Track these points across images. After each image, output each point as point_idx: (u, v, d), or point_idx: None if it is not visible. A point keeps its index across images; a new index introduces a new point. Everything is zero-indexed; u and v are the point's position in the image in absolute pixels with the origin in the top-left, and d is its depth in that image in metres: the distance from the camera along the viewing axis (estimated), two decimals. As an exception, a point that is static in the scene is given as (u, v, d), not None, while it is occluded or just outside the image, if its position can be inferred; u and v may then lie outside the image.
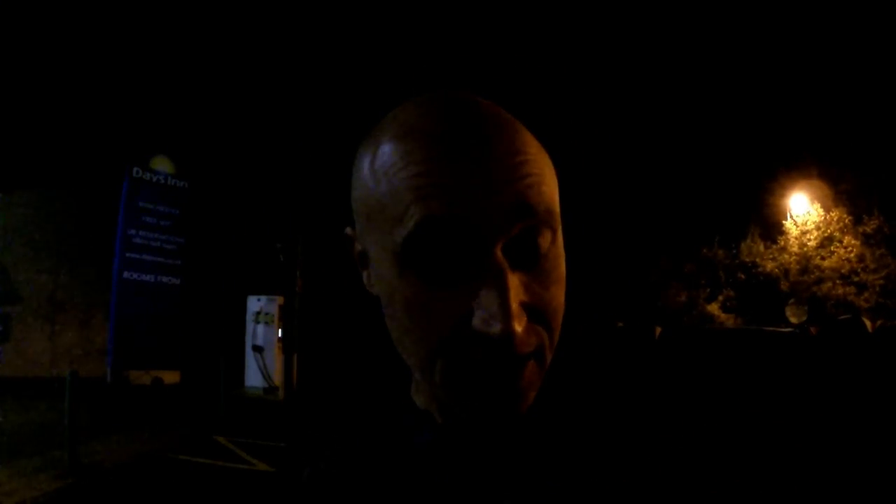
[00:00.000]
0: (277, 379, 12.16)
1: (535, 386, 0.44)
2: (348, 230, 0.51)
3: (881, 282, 19.13)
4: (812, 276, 20.46)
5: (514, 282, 0.41)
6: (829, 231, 20.58)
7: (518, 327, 0.40)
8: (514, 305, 0.40)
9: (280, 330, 12.74)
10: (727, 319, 21.99)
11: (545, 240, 0.43)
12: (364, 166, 0.46)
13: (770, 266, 21.79)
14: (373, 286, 0.49)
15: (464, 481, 0.48)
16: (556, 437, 0.50)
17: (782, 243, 21.89)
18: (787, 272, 21.30)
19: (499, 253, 0.41)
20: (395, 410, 0.54)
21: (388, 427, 0.54)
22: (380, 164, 0.43)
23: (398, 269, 0.43)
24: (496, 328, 0.39)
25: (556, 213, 0.44)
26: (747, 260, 22.40)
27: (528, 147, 0.43)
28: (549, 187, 0.44)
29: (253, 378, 12.48)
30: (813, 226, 21.02)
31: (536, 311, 0.42)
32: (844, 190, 20.47)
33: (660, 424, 0.50)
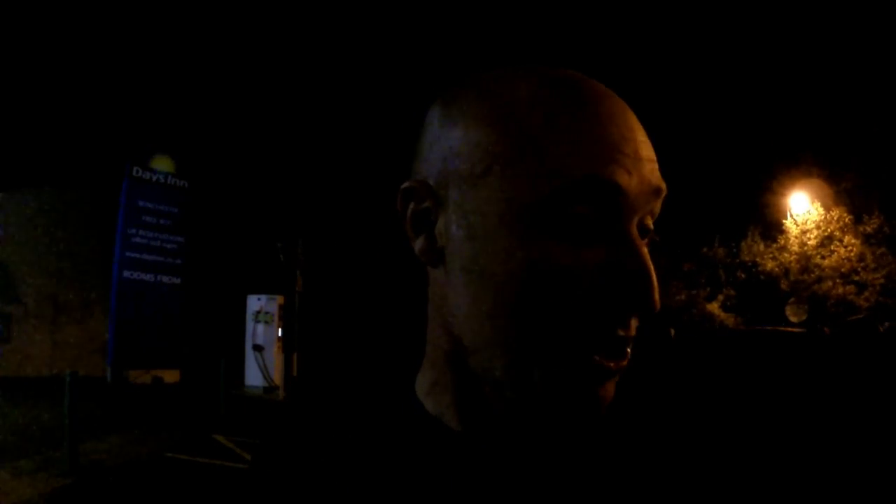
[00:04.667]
0: (277, 378, 12.17)
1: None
2: (415, 182, 0.45)
3: (881, 281, 19.13)
4: (812, 276, 20.46)
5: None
6: (829, 230, 20.58)
7: (659, 304, 0.39)
8: (656, 281, 0.39)
9: (280, 329, 12.74)
10: (727, 319, 21.98)
11: (652, 225, 0.43)
12: (474, 113, 0.42)
13: (770, 265, 21.79)
14: (433, 251, 0.44)
15: (483, 499, 0.43)
16: (586, 451, 0.45)
17: (782, 242, 21.88)
18: (787, 271, 21.30)
19: (635, 227, 0.40)
20: (399, 415, 0.48)
21: (388, 434, 0.47)
22: (512, 114, 0.40)
23: (522, 222, 0.39)
24: (644, 302, 0.38)
25: None
26: (747, 259, 22.39)
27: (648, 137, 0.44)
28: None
29: (253, 377, 12.49)
30: (813, 225, 21.02)
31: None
32: (845, 189, 20.46)
33: (684, 427, 0.47)
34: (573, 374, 0.39)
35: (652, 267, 0.39)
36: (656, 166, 0.42)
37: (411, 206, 0.45)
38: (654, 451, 0.45)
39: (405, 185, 0.45)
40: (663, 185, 0.42)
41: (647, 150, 0.41)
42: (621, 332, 0.39)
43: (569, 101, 0.40)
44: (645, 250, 0.40)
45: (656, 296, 0.38)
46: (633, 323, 0.41)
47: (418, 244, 0.45)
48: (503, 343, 0.40)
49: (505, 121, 0.40)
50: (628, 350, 0.41)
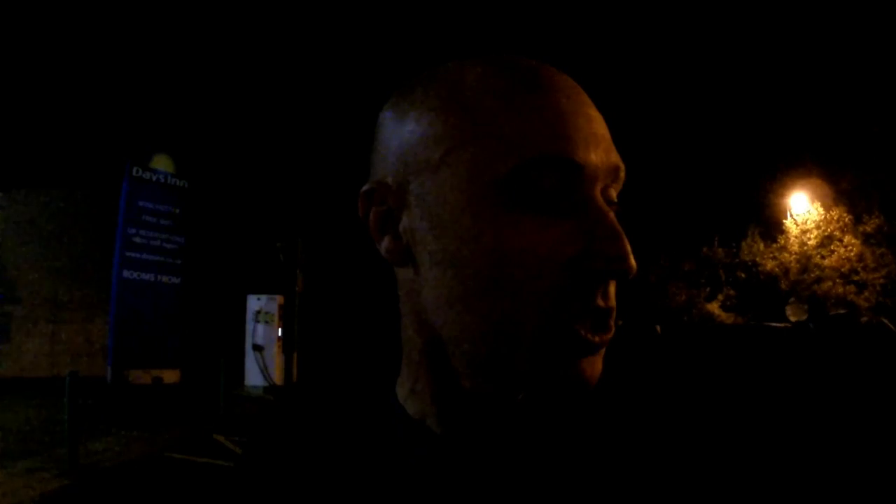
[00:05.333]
0: (278, 378, 12.17)
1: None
2: (373, 184, 0.45)
3: (881, 281, 19.13)
4: (812, 275, 20.46)
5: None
6: (829, 230, 20.58)
7: (634, 265, 0.39)
8: (629, 247, 0.39)
9: (280, 329, 12.74)
10: (727, 318, 21.99)
11: (616, 200, 0.44)
12: (427, 109, 0.42)
13: (770, 265, 21.79)
14: (398, 250, 0.44)
15: (464, 501, 0.42)
16: (567, 449, 0.44)
17: (782, 242, 21.88)
18: (787, 271, 21.30)
19: (601, 200, 0.40)
20: (381, 419, 0.48)
21: (370, 438, 0.47)
22: (466, 104, 0.41)
23: (487, 202, 0.39)
24: (620, 264, 0.38)
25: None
26: (747, 259, 22.39)
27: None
28: None
29: (253, 377, 12.49)
30: (813, 225, 21.02)
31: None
32: (845, 189, 20.46)
33: (668, 423, 0.46)
34: (557, 350, 0.39)
35: (622, 230, 0.39)
36: (612, 145, 0.43)
37: (373, 208, 0.45)
38: (637, 448, 0.44)
39: (364, 188, 0.45)
40: (621, 164, 0.43)
41: (602, 128, 0.42)
42: (601, 303, 0.40)
43: (520, 82, 0.40)
44: (613, 215, 0.40)
45: (630, 257, 0.38)
46: (612, 291, 0.41)
47: (384, 245, 0.45)
48: (483, 328, 0.40)
49: (457, 106, 0.41)
50: (611, 323, 0.41)
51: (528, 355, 0.39)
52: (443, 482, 0.43)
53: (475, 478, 0.43)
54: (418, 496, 0.43)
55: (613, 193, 0.43)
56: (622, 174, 0.43)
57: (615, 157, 0.42)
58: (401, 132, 0.43)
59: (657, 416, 0.47)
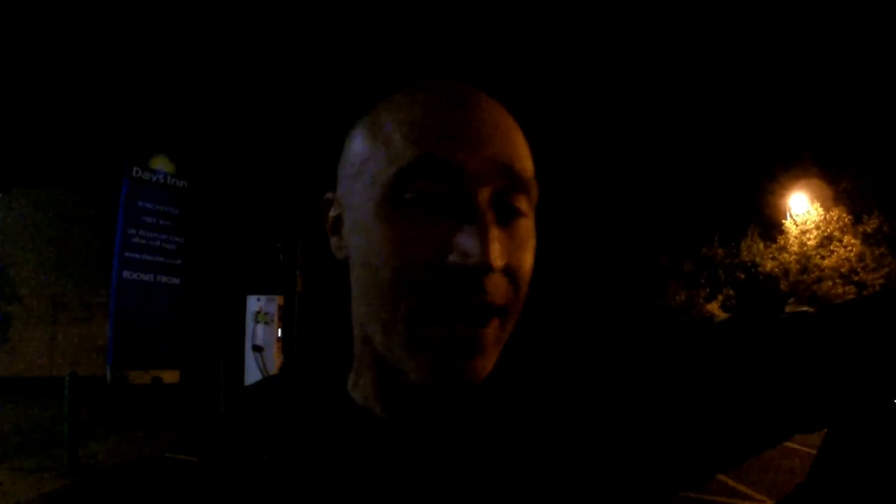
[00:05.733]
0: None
1: (495, 348, 0.45)
2: (329, 194, 0.53)
3: (881, 281, 19.12)
4: (812, 276, 20.46)
5: (496, 228, 0.43)
6: (828, 230, 20.57)
7: (498, 262, 0.42)
8: (495, 244, 0.42)
9: (280, 330, 12.74)
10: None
11: (523, 207, 0.46)
12: (359, 130, 0.49)
13: (770, 265, 21.79)
14: (342, 249, 0.50)
15: (403, 481, 0.47)
16: (507, 438, 0.49)
17: (782, 242, 21.88)
18: (786, 271, 21.30)
19: (484, 199, 0.43)
20: (331, 409, 0.52)
21: (320, 426, 0.51)
22: (381, 126, 0.47)
23: (385, 202, 0.44)
24: (473, 259, 0.41)
25: (535, 192, 0.48)
26: (747, 259, 22.39)
27: (517, 131, 0.48)
28: (532, 169, 0.48)
29: (253, 378, 12.47)
30: (813, 225, 21.01)
31: (510, 268, 0.45)
32: (844, 189, 20.46)
33: (555, 402, 0.50)
34: (436, 346, 0.43)
35: (489, 231, 0.42)
36: (511, 151, 0.45)
37: (328, 214, 0.53)
38: (530, 432, 0.49)
39: (324, 196, 0.53)
40: (517, 167, 0.45)
41: (495, 132, 0.45)
42: (468, 299, 0.42)
43: (416, 100, 0.46)
44: (485, 221, 0.42)
45: (487, 254, 0.41)
46: (491, 287, 0.43)
47: (332, 245, 0.52)
48: (384, 326, 0.45)
49: (373, 127, 0.48)
50: (492, 318, 0.44)
51: (403, 352, 0.44)
52: (382, 464, 0.48)
53: (412, 459, 0.48)
54: (359, 476, 0.48)
55: (521, 202, 0.46)
56: (522, 179, 0.46)
57: (506, 160, 0.45)
58: (344, 152, 0.51)
59: (548, 398, 0.51)
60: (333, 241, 0.52)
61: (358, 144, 0.49)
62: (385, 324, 0.45)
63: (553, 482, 0.47)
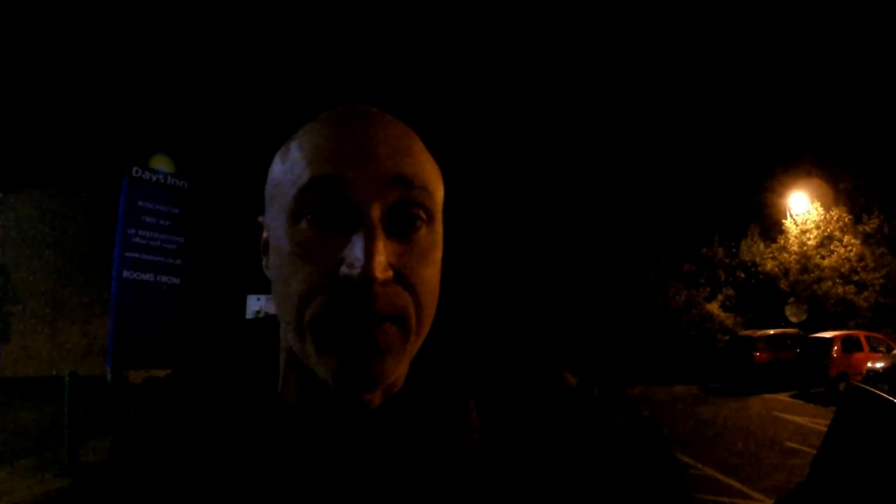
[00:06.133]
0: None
1: (395, 352, 0.47)
2: (260, 218, 0.56)
3: (881, 281, 19.12)
4: (812, 275, 20.45)
5: (385, 242, 0.46)
6: (828, 230, 20.57)
7: (378, 274, 0.44)
8: (379, 257, 0.44)
9: (280, 329, 12.74)
10: (727, 319, 21.98)
11: (420, 219, 0.49)
12: (276, 160, 0.53)
13: (770, 265, 21.79)
14: (268, 268, 0.53)
15: (313, 473, 0.50)
16: (416, 439, 0.52)
17: (782, 242, 21.87)
18: (786, 271, 21.29)
19: (374, 212, 0.46)
20: (260, 408, 0.54)
21: (246, 421, 0.53)
22: (289, 152, 0.51)
23: (290, 221, 0.48)
24: (356, 271, 0.44)
25: (435, 201, 0.50)
26: (747, 259, 22.39)
27: (412, 145, 0.51)
28: (429, 179, 0.50)
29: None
30: (813, 225, 21.01)
31: (404, 278, 0.47)
32: (844, 189, 20.45)
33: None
34: (340, 346, 0.46)
35: (375, 243, 0.45)
36: (403, 164, 0.48)
37: (263, 235, 0.56)
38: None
39: (258, 218, 0.57)
40: (410, 178, 0.48)
41: (387, 149, 0.48)
42: (369, 306, 0.45)
43: (319, 125, 0.51)
44: (371, 234, 0.45)
45: (369, 264, 0.44)
46: (384, 297, 0.46)
47: (263, 264, 0.55)
48: (296, 333, 0.48)
49: (283, 153, 0.52)
50: (385, 323, 0.46)
51: (314, 355, 0.47)
52: (299, 452, 0.51)
53: (340, 458, 0.51)
54: (279, 464, 0.51)
55: (418, 210, 0.49)
56: (416, 189, 0.48)
57: (398, 172, 0.48)
58: (268, 176, 0.54)
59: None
60: (263, 261, 0.55)
61: (274, 169, 0.52)
62: (296, 331, 0.48)
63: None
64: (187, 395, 0.57)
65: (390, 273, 0.46)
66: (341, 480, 0.50)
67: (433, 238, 0.50)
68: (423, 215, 0.49)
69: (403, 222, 0.48)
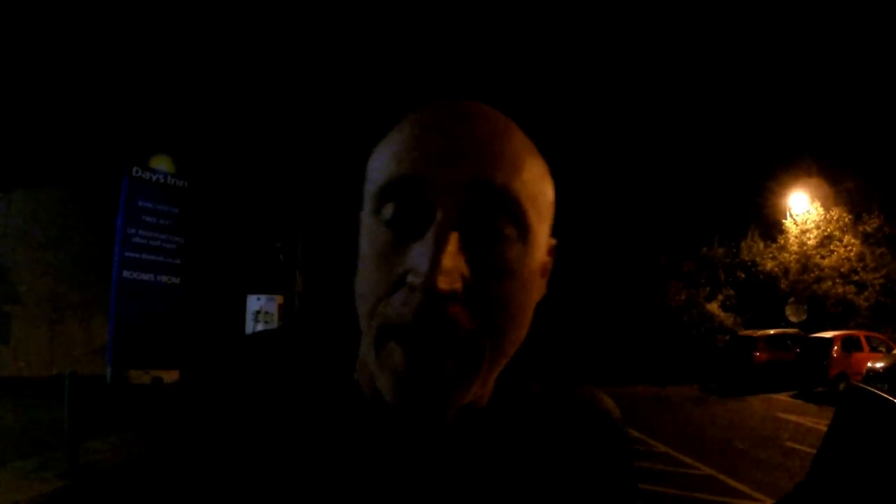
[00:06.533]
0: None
1: (464, 383, 0.44)
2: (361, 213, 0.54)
3: (881, 281, 19.12)
4: (812, 275, 20.45)
5: (457, 253, 0.42)
6: (828, 230, 20.57)
7: (442, 285, 0.40)
8: (445, 267, 0.40)
9: (280, 329, 12.73)
10: (727, 318, 21.98)
11: (509, 230, 0.44)
12: (373, 153, 0.50)
13: (770, 265, 21.78)
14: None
15: (391, 473, 0.48)
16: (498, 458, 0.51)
17: (782, 242, 21.87)
18: (786, 271, 21.29)
19: (447, 218, 0.43)
20: (336, 389, 0.52)
21: (324, 409, 0.51)
22: (382, 146, 0.48)
23: (372, 219, 0.46)
24: (419, 280, 0.41)
25: (530, 214, 0.45)
26: (747, 259, 22.38)
27: (510, 147, 0.46)
28: (523, 187, 0.45)
29: (253, 377, 12.48)
30: (813, 224, 21.01)
31: (479, 295, 0.43)
32: (844, 189, 20.46)
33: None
34: (396, 369, 0.43)
35: (442, 252, 0.41)
36: (485, 165, 0.44)
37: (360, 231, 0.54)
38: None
39: (361, 213, 0.54)
40: (489, 179, 0.44)
41: (470, 150, 0.44)
42: (431, 324, 0.41)
43: (414, 120, 0.47)
44: (440, 240, 0.41)
45: (432, 275, 0.40)
46: (452, 315, 0.42)
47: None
48: (364, 336, 0.46)
49: (378, 148, 0.49)
50: (451, 347, 0.42)
51: (375, 368, 0.45)
52: (386, 455, 0.49)
53: (416, 454, 0.49)
54: (363, 465, 0.48)
55: (503, 220, 0.44)
56: (500, 195, 0.44)
57: (478, 175, 0.43)
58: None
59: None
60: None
61: (369, 163, 0.50)
62: (365, 334, 0.46)
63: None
64: (263, 369, 0.54)
65: (458, 285, 0.41)
66: (406, 485, 0.48)
67: (525, 254, 0.45)
68: (512, 227, 0.44)
69: (486, 233, 0.44)
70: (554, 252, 0.53)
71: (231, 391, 0.52)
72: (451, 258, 0.41)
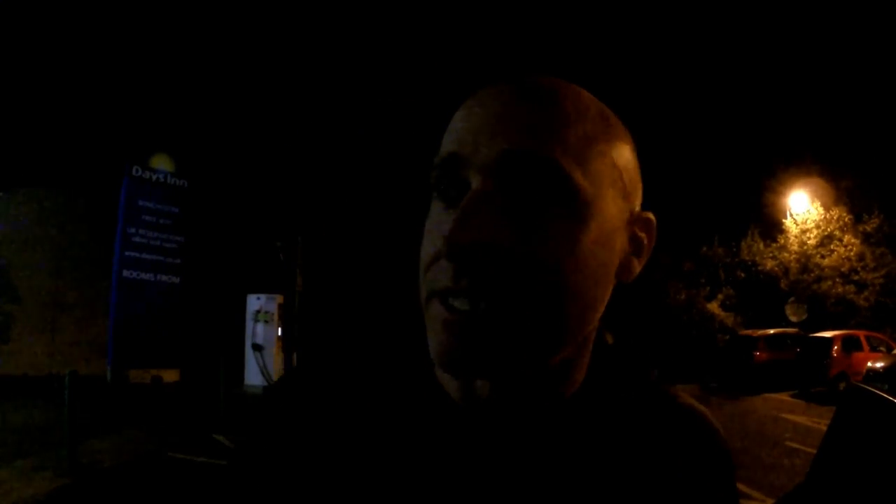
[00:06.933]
0: (277, 377, 12.15)
1: (503, 336, 0.43)
2: None
3: (881, 280, 19.13)
4: (812, 275, 20.46)
5: (487, 215, 0.43)
6: (829, 229, 20.58)
7: (461, 240, 0.41)
8: (466, 223, 0.42)
9: (280, 328, 12.73)
10: (727, 318, 21.98)
11: (550, 198, 0.44)
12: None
13: (770, 264, 21.79)
14: None
15: (487, 473, 0.48)
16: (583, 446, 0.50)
17: (782, 242, 21.89)
18: (786, 271, 21.30)
19: (481, 187, 0.44)
20: (415, 389, 0.52)
21: (402, 403, 0.51)
22: (451, 120, 0.50)
23: (433, 197, 0.49)
24: (443, 240, 0.42)
25: (568, 176, 0.44)
26: (747, 258, 22.40)
27: (556, 111, 0.45)
28: (570, 149, 0.44)
29: (253, 376, 12.48)
30: (813, 224, 21.02)
31: (520, 259, 0.43)
32: (845, 188, 20.46)
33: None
34: (438, 324, 0.45)
35: (463, 210, 0.43)
36: (518, 137, 0.44)
37: None
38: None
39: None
40: (520, 148, 0.44)
41: (507, 124, 0.45)
42: (459, 278, 0.43)
43: (476, 97, 0.48)
44: (471, 202, 0.43)
45: (454, 234, 0.42)
46: (478, 269, 0.43)
47: None
48: (422, 306, 0.48)
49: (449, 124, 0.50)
50: (481, 299, 0.43)
51: (429, 333, 0.46)
52: (457, 450, 0.48)
53: (486, 447, 0.48)
54: (435, 458, 0.48)
55: (543, 187, 0.44)
56: (529, 160, 0.43)
57: (511, 145, 0.44)
58: None
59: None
60: None
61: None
62: (421, 305, 0.48)
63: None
64: (345, 370, 0.55)
65: (483, 238, 0.42)
66: (492, 483, 0.47)
67: (576, 221, 0.44)
68: (553, 194, 0.44)
69: (525, 202, 0.44)
70: (648, 226, 0.56)
71: (314, 403, 0.53)
72: (476, 217, 0.42)
